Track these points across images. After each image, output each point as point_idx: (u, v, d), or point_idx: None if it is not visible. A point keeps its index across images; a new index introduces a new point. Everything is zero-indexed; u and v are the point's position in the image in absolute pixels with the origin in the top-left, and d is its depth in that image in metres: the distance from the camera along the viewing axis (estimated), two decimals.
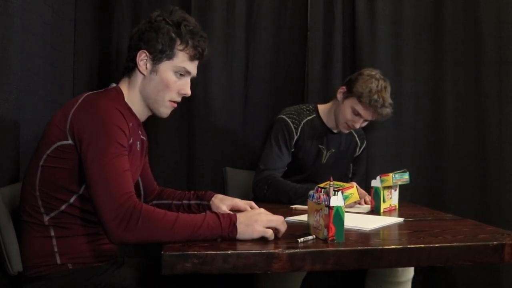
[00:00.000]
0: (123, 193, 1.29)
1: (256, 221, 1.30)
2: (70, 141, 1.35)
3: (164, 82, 1.53)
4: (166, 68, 1.53)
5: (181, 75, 1.56)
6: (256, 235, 1.29)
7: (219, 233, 1.28)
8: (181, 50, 1.53)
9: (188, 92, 1.59)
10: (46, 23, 2.02)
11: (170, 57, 1.52)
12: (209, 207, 1.70)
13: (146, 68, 1.53)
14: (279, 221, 1.33)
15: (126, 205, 1.26)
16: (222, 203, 1.69)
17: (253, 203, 1.72)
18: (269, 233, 1.30)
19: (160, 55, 1.52)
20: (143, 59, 1.52)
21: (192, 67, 1.58)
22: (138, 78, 1.55)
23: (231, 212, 1.36)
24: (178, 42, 1.52)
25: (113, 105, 1.41)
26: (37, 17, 1.92)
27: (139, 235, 1.26)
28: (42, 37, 1.98)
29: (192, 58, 1.56)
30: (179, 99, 1.59)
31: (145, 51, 1.51)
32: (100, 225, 1.44)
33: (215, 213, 1.32)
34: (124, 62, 1.58)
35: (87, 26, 2.46)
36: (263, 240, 1.33)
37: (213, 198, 1.72)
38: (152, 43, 1.51)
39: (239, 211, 1.53)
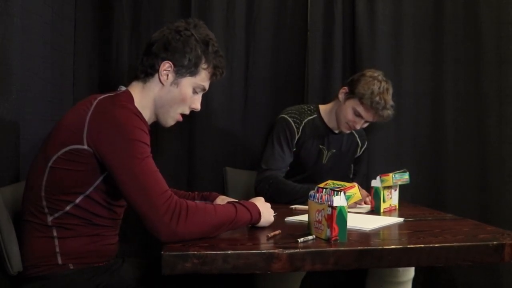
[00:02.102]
0: (163, 191, 1.30)
1: (270, 212, 1.50)
2: (86, 147, 1.34)
3: (182, 96, 1.54)
4: (187, 84, 1.54)
5: (197, 91, 1.58)
6: (268, 224, 1.49)
7: (248, 221, 1.42)
8: (204, 69, 1.55)
9: (198, 107, 1.61)
10: (46, 23, 2.02)
11: (193, 74, 1.54)
12: None
13: (167, 78, 1.52)
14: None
15: (172, 201, 1.29)
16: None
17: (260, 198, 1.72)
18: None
19: (184, 69, 1.52)
20: (166, 69, 1.52)
21: (208, 85, 1.61)
22: (155, 86, 1.54)
23: (249, 202, 1.48)
24: (203, 60, 1.54)
25: (129, 110, 1.40)
26: (37, 17, 1.92)
27: (190, 229, 1.29)
28: (42, 37, 1.98)
29: (211, 78, 1.59)
30: (188, 113, 1.61)
31: (169, 62, 1.51)
32: (104, 227, 1.46)
33: (239, 202, 1.44)
34: (139, 66, 1.56)
35: (87, 26, 2.46)
36: (263, 240, 1.34)
37: (217, 199, 1.74)
38: (179, 56, 1.51)
39: None
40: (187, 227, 1.28)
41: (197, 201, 1.74)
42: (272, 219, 1.50)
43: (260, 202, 1.50)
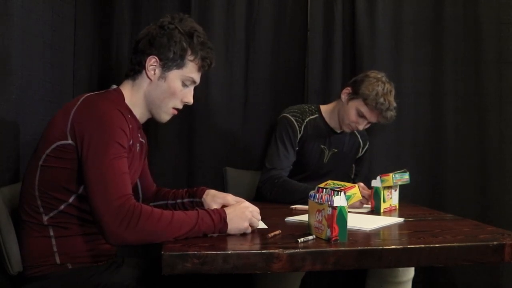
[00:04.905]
0: (121, 195, 1.30)
1: (242, 217, 1.39)
2: (70, 141, 1.36)
3: (171, 90, 1.54)
4: (175, 77, 1.54)
5: (186, 84, 1.57)
6: (243, 231, 1.40)
7: (211, 229, 1.35)
8: (191, 61, 1.55)
9: (191, 101, 1.61)
10: (46, 23, 2.01)
11: (180, 66, 1.54)
12: (201, 204, 1.71)
13: (155, 73, 1.53)
14: (257, 215, 1.44)
15: (125, 206, 1.28)
16: (214, 201, 1.69)
17: (243, 200, 1.71)
18: (249, 230, 1.41)
19: (170, 63, 1.52)
20: (152, 64, 1.52)
21: (198, 77, 1.60)
22: (143, 82, 1.55)
23: (219, 208, 1.43)
24: (189, 52, 1.54)
25: (114, 106, 1.42)
26: (37, 17, 1.92)
27: (138, 236, 1.28)
28: (42, 37, 1.98)
29: (199, 69, 1.58)
30: (181, 107, 1.61)
31: (155, 57, 1.52)
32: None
33: (206, 210, 1.38)
34: (128, 64, 1.58)
35: (87, 26, 2.46)
36: (263, 240, 1.34)
37: (204, 196, 1.72)
38: (163, 50, 1.51)
39: None
40: (135, 233, 1.27)
41: (184, 201, 1.75)
42: (244, 226, 1.39)
43: (233, 208, 1.41)
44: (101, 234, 1.31)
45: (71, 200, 1.40)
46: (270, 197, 2.12)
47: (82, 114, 1.37)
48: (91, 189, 1.31)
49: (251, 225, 1.41)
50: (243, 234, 1.40)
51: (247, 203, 1.46)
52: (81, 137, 1.34)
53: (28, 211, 1.41)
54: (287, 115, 2.26)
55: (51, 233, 1.40)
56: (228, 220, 1.37)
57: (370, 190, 1.95)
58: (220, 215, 1.37)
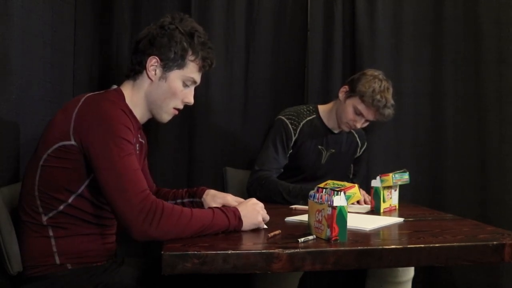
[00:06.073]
0: (141, 190, 1.31)
1: (254, 213, 1.44)
2: (73, 142, 1.35)
3: (172, 90, 1.55)
4: (176, 77, 1.54)
5: (187, 84, 1.58)
6: (258, 225, 1.44)
7: (226, 226, 1.38)
8: (192, 61, 1.55)
9: (191, 101, 1.61)
10: (46, 23, 2.01)
11: (180, 66, 1.54)
12: (201, 204, 1.71)
13: (155, 74, 1.53)
14: (264, 210, 1.49)
15: (148, 201, 1.29)
16: (214, 201, 1.69)
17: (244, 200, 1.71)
18: (263, 225, 1.46)
19: (171, 63, 1.52)
20: (153, 64, 1.52)
21: (199, 77, 1.61)
22: (144, 82, 1.55)
23: (232, 206, 1.46)
24: (190, 52, 1.54)
25: (116, 105, 1.42)
26: (37, 17, 1.92)
27: (162, 230, 1.29)
28: (42, 37, 1.98)
29: (200, 69, 1.58)
30: (182, 107, 1.61)
31: (156, 57, 1.52)
32: (100, 227, 1.45)
33: (220, 208, 1.41)
34: (129, 64, 1.58)
35: (87, 26, 2.46)
36: (263, 240, 1.34)
37: (204, 195, 1.72)
38: (164, 50, 1.51)
39: None
40: (159, 229, 1.28)
41: (185, 201, 1.75)
42: (258, 220, 1.44)
43: (244, 205, 1.45)
44: (126, 231, 1.31)
45: (70, 200, 1.40)
46: (257, 198, 2.11)
47: (85, 115, 1.36)
48: (108, 191, 1.31)
49: (263, 219, 1.46)
50: (244, 234, 1.40)
51: (254, 200, 1.50)
52: (86, 139, 1.34)
53: (28, 211, 1.41)
54: (283, 117, 2.25)
55: (51, 233, 1.40)
56: (242, 217, 1.41)
57: (362, 190, 1.97)
58: (235, 213, 1.40)
